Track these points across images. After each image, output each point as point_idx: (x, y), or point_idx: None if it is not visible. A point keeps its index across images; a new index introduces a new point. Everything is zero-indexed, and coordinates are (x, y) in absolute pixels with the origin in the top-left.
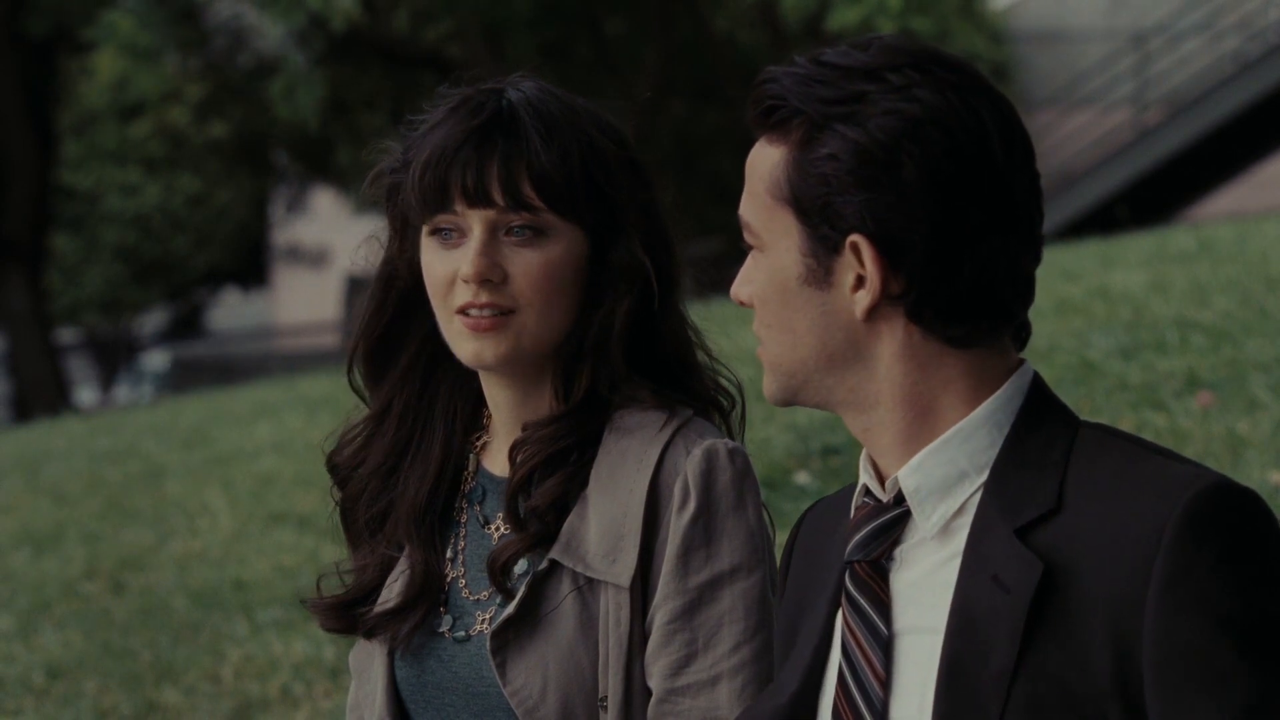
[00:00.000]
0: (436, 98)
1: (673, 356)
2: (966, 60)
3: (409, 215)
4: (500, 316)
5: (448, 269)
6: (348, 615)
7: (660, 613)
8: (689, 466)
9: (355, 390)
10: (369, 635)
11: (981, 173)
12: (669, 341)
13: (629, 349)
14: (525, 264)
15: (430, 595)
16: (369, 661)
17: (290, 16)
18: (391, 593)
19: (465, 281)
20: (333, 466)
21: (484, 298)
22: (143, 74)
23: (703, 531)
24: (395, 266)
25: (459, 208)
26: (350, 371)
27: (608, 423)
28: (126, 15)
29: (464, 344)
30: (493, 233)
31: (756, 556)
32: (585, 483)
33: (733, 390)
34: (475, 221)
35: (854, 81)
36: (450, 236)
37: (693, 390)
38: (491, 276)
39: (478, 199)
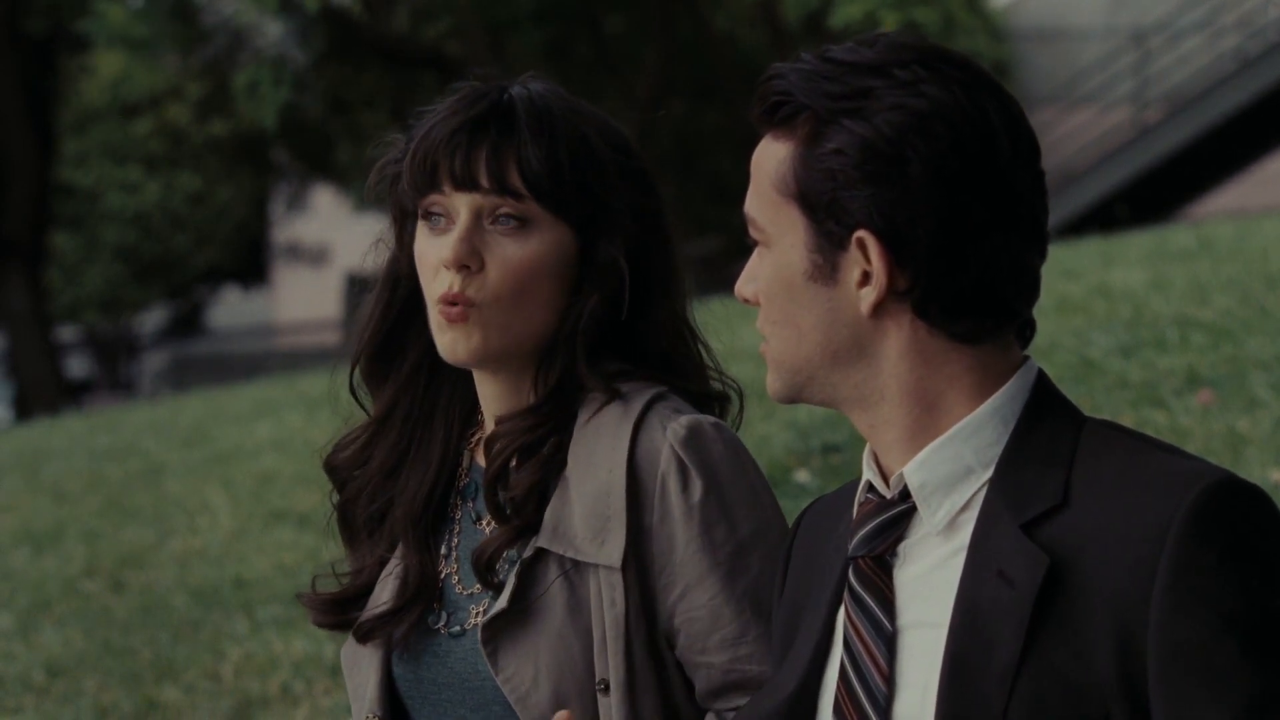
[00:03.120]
0: (447, 93)
1: (666, 359)
2: (973, 58)
3: (404, 202)
4: (468, 309)
5: (435, 255)
6: (341, 612)
7: (697, 592)
8: (677, 445)
9: (354, 395)
10: (364, 639)
11: (987, 169)
12: (662, 344)
13: (620, 349)
14: (504, 255)
15: (424, 597)
16: (360, 656)
17: (266, 1)
18: (384, 593)
19: (445, 267)
20: (331, 469)
21: (455, 289)
22: (137, 70)
23: (716, 504)
24: (399, 264)
25: (446, 189)
26: (350, 376)
27: (580, 410)
28: (118, 6)
29: (440, 336)
30: (477, 219)
31: (769, 515)
32: (563, 465)
33: (732, 394)
34: (462, 205)
35: (861, 77)
36: (439, 222)
37: (687, 391)
38: (469, 263)
39: (464, 182)
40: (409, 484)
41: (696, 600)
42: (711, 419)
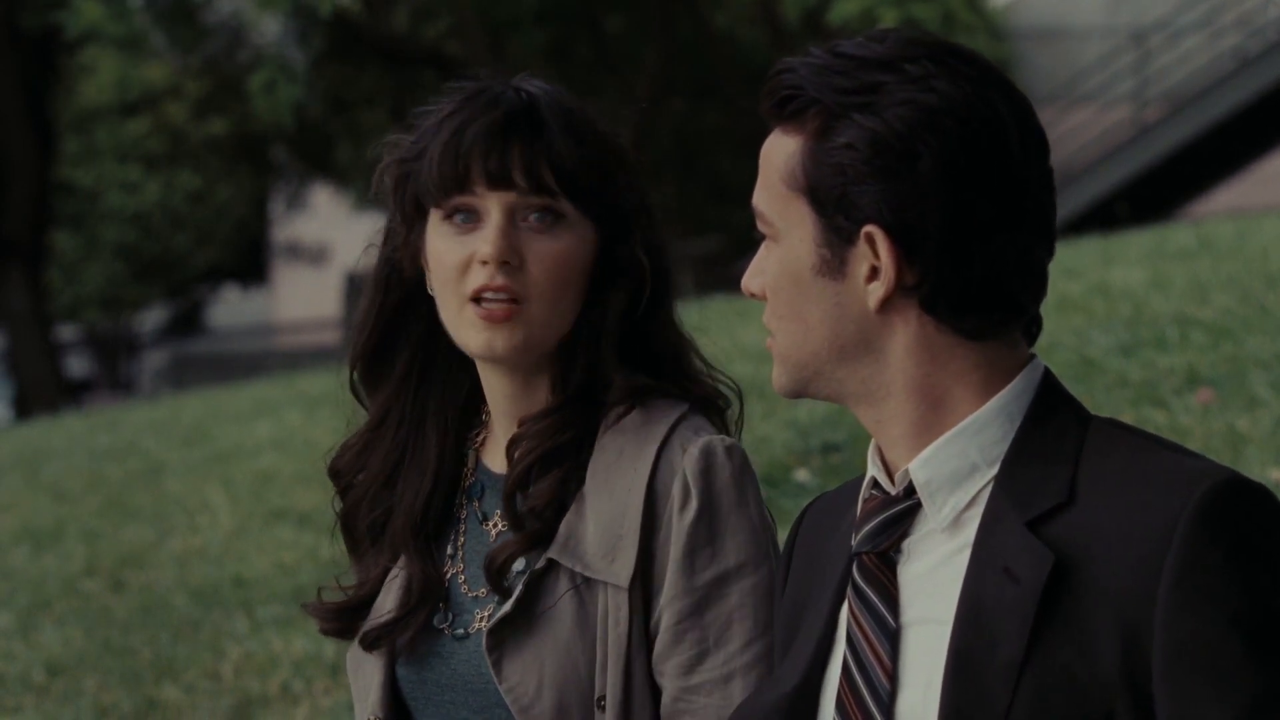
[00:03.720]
0: (446, 92)
1: (668, 359)
2: (982, 54)
3: (423, 199)
4: (512, 305)
5: (462, 253)
6: (347, 620)
7: (668, 613)
8: (687, 465)
9: (357, 397)
10: (370, 648)
11: (998, 165)
12: (664, 344)
13: (625, 348)
14: (541, 251)
15: (429, 602)
16: (363, 658)
17: (278, 3)
18: (389, 601)
19: (484, 263)
20: (335, 473)
21: (500, 280)
22: (119, 67)
23: (706, 530)
24: (395, 264)
25: (479, 189)
26: (351, 378)
27: (602, 420)
28: (93, 3)
29: (475, 334)
30: (510, 217)
31: (761, 552)
32: (582, 481)
33: (729, 394)
34: (494, 204)
35: (871, 72)
36: (467, 220)
37: (688, 391)
38: (510, 259)
39: (499, 181)
40: (406, 491)
41: (665, 621)
42: (727, 441)
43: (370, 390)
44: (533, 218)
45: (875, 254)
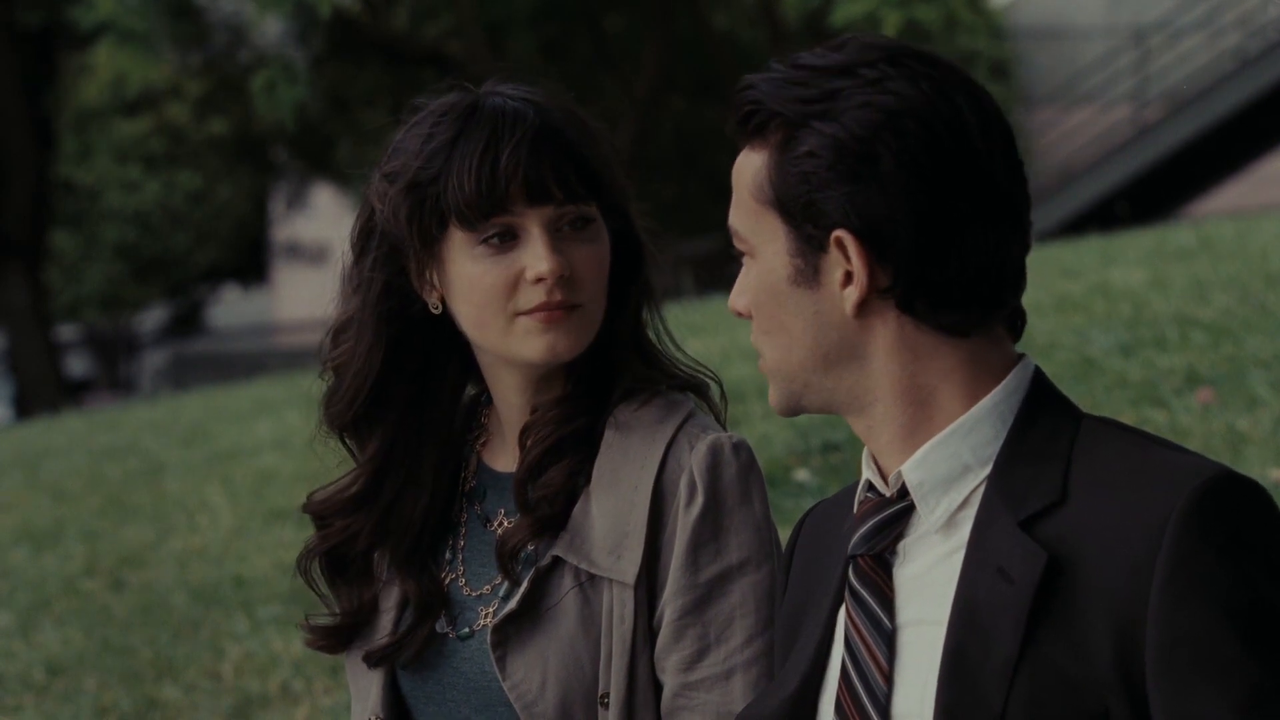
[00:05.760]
0: (413, 110)
1: (649, 343)
2: (941, 54)
3: (452, 223)
4: (568, 310)
5: (506, 273)
6: (341, 639)
7: (670, 608)
8: (694, 462)
9: (344, 444)
10: (375, 666)
11: (960, 161)
12: (649, 333)
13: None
14: (584, 257)
15: (430, 617)
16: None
17: (279, 5)
18: (388, 621)
19: (540, 280)
20: (321, 516)
21: (558, 295)
22: (130, 64)
23: (711, 526)
24: (396, 291)
25: (518, 208)
26: (341, 430)
27: (609, 418)
28: None
29: (535, 340)
30: (549, 229)
31: (764, 550)
32: (588, 478)
33: (706, 376)
34: (533, 221)
35: (828, 79)
36: (505, 240)
37: (670, 374)
38: (565, 272)
39: (537, 196)
40: (404, 514)
41: (667, 616)
42: (735, 438)
43: (367, 431)
44: (566, 226)
45: (847, 258)
